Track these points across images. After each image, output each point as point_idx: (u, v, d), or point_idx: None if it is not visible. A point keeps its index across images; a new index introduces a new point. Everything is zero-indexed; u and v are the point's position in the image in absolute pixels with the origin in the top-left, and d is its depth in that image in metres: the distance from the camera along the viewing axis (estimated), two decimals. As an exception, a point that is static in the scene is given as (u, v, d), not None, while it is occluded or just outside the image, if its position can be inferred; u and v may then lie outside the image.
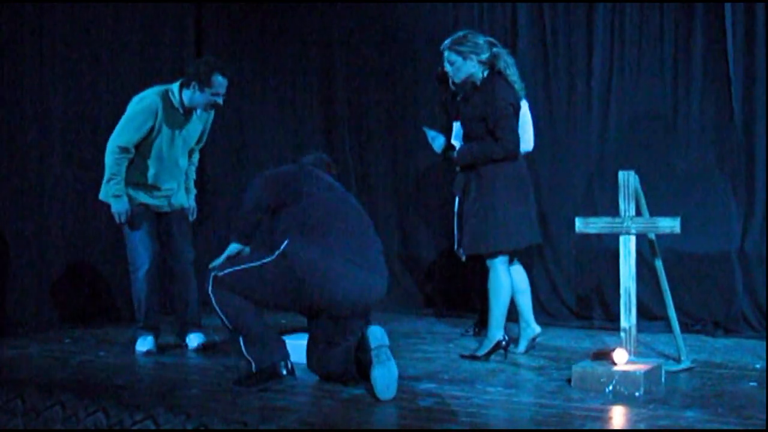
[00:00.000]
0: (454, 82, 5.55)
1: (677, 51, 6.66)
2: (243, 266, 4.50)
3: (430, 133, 5.76)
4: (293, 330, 5.63)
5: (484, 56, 5.31)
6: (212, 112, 5.82)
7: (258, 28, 8.30)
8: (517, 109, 5.32)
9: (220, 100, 5.61)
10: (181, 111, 5.60)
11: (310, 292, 4.43)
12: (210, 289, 4.51)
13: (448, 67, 5.40)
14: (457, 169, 5.62)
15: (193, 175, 5.98)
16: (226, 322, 4.51)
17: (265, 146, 8.25)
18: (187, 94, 5.57)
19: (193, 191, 5.98)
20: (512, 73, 5.36)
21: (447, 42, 5.39)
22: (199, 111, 5.67)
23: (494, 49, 5.35)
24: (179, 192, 5.80)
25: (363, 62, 8.06)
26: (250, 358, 4.53)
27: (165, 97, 5.55)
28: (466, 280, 7.09)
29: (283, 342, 4.66)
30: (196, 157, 5.97)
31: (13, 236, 6.66)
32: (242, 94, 7.99)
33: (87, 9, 7.12)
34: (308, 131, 8.31)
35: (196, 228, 6.50)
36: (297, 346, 4.87)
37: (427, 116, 7.41)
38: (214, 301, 4.51)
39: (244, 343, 4.52)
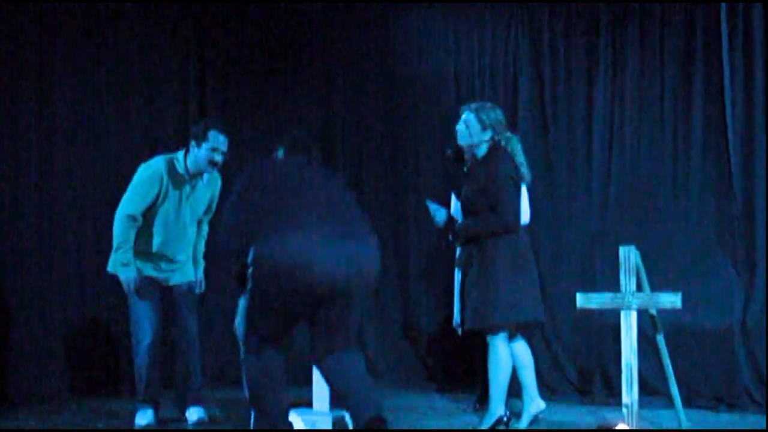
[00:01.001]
0: (455, 145, 5.58)
1: (676, 122, 6.76)
2: (244, 312, 4.29)
3: (433, 207, 5.80)
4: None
5: (499, 135, 5.37)
6: (219, 181, 5.85)
7: (259, 73, 8.35)
8: (518, 182, 5.35)
9: (218, 158, 5.62)
10: (187, 177, 5.65)
11: (295, 281, 4.07)
12: (241, 356, 4.32)
13: (461, 126, 5.43)
14: (457, 244, 5.64)
15: (202, 248, 5.97)
16: (246, 392, 4.32)
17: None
18: (190, 158, 5.63)
19: (202, 263, 5.98)
20: (519, 157, 5.40)
21: (473, 105, 5.46)
22: (205, 178, 5.72)
23: (507, 134, 5.42)
24: (187, 264, 5.81)
25: (365, 128, 8.13)
26: None
27: (170, 162, 5.61)
28: (467, 355, 7.07)
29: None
30: (205, 229, 5.97)
31: (14, 306, 6.65)
32: (244, 147, 8.06)
33: (89, 39, 7.24)
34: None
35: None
36: (293, 419, 4.84)
37: (427, 179, 7.55)
38: (243, 369, 4.32)
39: (255, 420, 4.36)
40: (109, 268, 5.62)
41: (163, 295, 5.72)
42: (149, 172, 5.59)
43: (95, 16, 7.27)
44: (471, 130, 5.39)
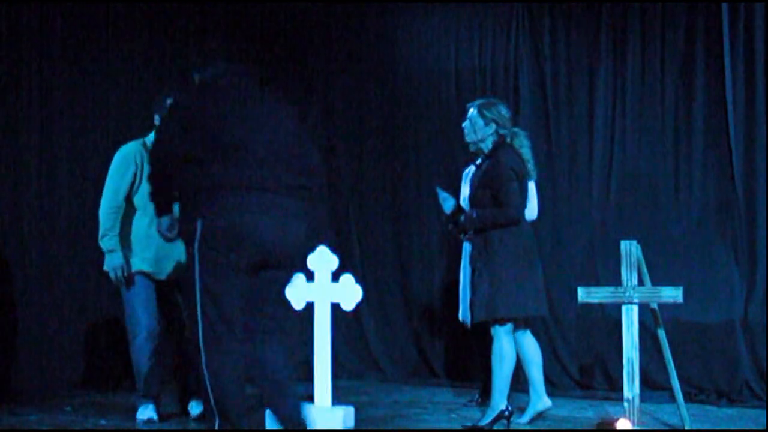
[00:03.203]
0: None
1: (677, 118, 6.76)
2: (196, 296, 3.97)
3: (442, 194, 5.84)
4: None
5: (503, 130, 5.39)
6: None
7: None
8: (522, 176, 5.36)
9: None
10: None
11: (243, 248, 3.91)
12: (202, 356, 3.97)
13: (466, 123, 5.50)
14: (462, 236, 5.65)
15: None
16: (210, 394, 3.97)
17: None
18: None
19: None
20: (526, 153, 5.43)
21: (477, 102, 5.51)
22: None
23: (514, 129, 5.46)
24: (182, 255, 5.78)
25: (366, 125, 8.14)
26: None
27: (142, 143, 5.62)
28: (470, 349, 7.08)
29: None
30: None
31: (16, 302, 6.66)
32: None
33: (88, 43, 7.22)
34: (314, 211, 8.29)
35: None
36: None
37: (427, 175, 7.57)
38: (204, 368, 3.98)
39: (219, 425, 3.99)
40: (105, 266, 5.62)
41: (158, 287, 5.70)
42: (121, 155, 5.60)
43: (96, 16, 7.26)
44: (475, 126, 5.45)
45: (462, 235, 5.97)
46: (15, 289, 6.68)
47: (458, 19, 7.72)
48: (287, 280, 4.16)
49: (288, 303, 4.37)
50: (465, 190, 6.06)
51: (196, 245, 3.90)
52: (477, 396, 6.32)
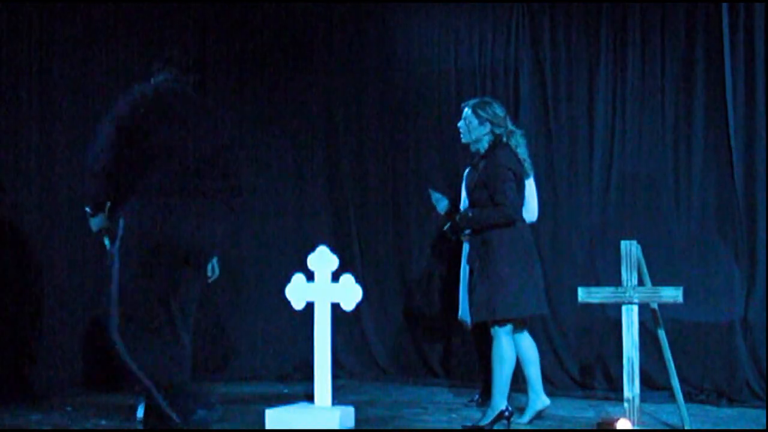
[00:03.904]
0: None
1: (678, 118, 6.76)
2: (113, 288, 4.23)
3: (435, 195, 5.87)
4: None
5: (499, 129, 5.40)
6: None
7: (260, 70, 8.32)
8: (519, 175, 5.36)
9: None
10: None
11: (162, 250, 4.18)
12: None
13: (461, 124, 5.52)
14: (461, 236, 5.65)
15: None
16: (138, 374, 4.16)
17: (262, 212, 8.24)
18: None
19: None
20: (522, 152, 5.43)
21: (471, 102, 5.53)
22: None
23: (510, 126, 5.46)
24: None
25: (367, 125, 8.14)
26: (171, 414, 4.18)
27: None
28: (470, 349, 7.08)
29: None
30: None
31: (16, 303, 6.66)
32: (246, 146, 8.07)
33: (90, 51, 7.21)
34: (314, 211, 8.34)
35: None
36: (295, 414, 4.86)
37: (428, 174, 7.58)
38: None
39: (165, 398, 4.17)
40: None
41: None
42: None
43: (97, 15, 7.26)
44: (470, 126, 5.47)
45: (461, 236, 5.98)
46: (15, 289, 6.67)
47: (458, 19, 7.72)
48: (203, 278, 4.44)
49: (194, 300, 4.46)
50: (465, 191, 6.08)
51: (117, 243, 4.17)
52: (477, 396, 6.32)
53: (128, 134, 4.18)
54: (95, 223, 4.31)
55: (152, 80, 4.57)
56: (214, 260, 5.97)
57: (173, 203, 4.15)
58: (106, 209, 4.28)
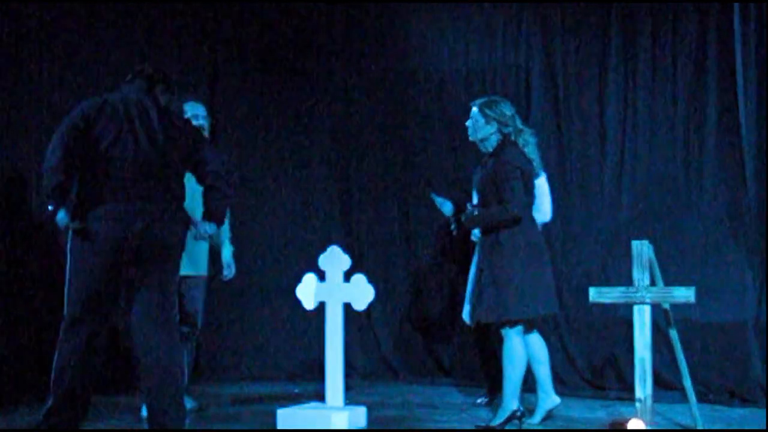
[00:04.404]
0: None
1: (689, 117, 6.74)
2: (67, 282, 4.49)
3: (438, 200, 5.89)
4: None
5: (506, 128, 5.39)
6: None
7: (270, 71, 8.34)
8: (527, 174, 5.35)
9: (199, 122, 5.71)
10: None
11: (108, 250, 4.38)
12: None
13: (469, 122, 5.52)
14: (471, 237, 5.65)
15: (227, 230, 5.99)
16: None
17: (273, 212, 8.26)
18: None
19: (230, 247, 6.01)
20: (531, 151, 5.43)
21: (479, 101, 5.53)
22: None
23: (519, 125, 5.45)
24: (200, 256, 5.79)
25: (377, 125, 8.13)
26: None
27: None
28: (480, 349, 7.07)
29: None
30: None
31: (16, 303, 6.64)
32: (249, 154, 8.07)
33: (96, 39, 7.25)
34: (324, 211, 8.34)
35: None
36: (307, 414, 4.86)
37: (438, 175, 7.58)
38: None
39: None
40: None
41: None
42: None
43: (96, 16, 7.27)
44: (477, 125, 5.47)
45: (471, 236, 5.98)
46: (15, 289, 6.67)
47: (468, 19, 7.71)
48: (161, 275, 4.50)
49: (168, 295, 4.57)
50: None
51: (69, 245, 4.42)
52: (488, 396, 6.30)
53: (78, 135, 4.36)
54: (59, 218, 4.42)
55: (121, 89, 4.70)
56: (231, 259, 6.00)
57: (117, 208, 4.34)
58: (69, 205, 4.41)
